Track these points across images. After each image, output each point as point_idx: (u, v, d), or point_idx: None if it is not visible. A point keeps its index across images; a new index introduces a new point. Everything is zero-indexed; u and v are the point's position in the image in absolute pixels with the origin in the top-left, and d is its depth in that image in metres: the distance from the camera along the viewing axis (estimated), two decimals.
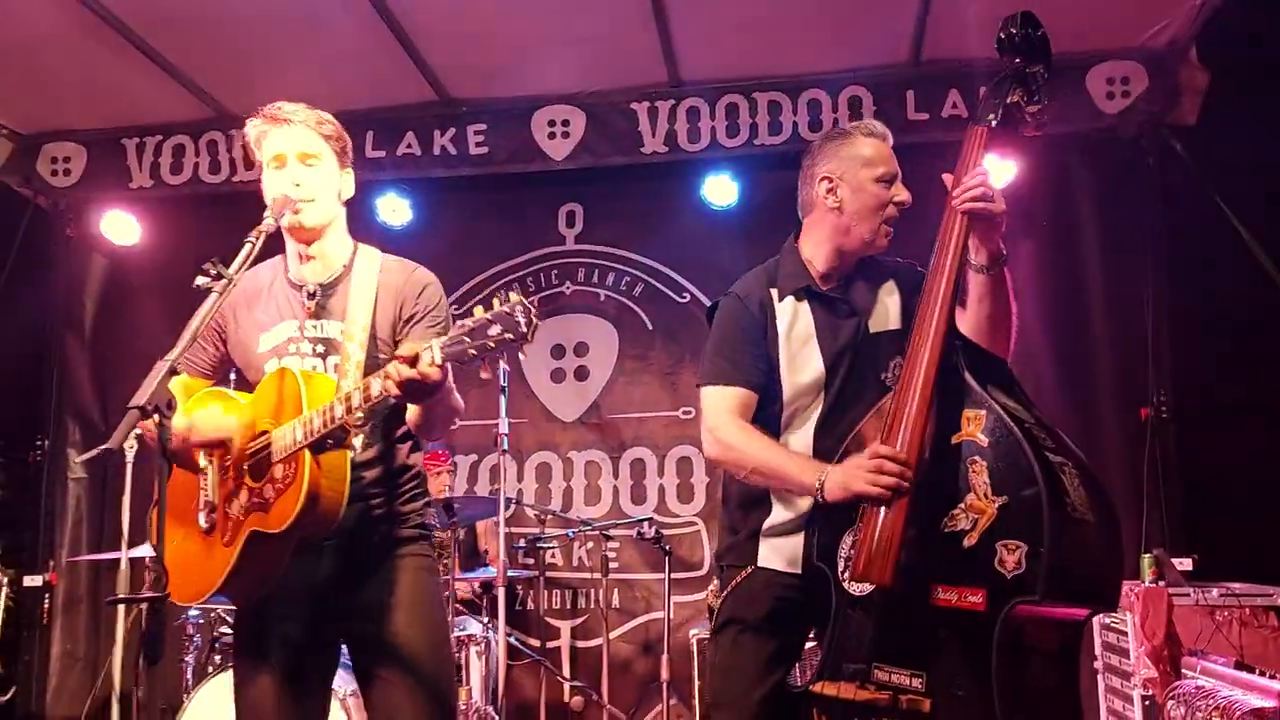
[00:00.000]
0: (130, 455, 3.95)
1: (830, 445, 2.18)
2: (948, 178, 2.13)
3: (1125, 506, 4.63)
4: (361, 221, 5.39)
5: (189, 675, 3.90)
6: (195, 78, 5.18)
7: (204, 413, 2.23)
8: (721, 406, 2.31)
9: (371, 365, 2.16)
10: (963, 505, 1.80)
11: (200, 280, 2.09)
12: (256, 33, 4.79)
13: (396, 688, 2.17)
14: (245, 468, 2.15)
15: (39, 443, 5.57)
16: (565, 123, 5.33)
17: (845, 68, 5.10)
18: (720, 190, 5.27)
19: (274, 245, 2.35)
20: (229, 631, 4.01)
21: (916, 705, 1.73)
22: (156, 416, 1.84)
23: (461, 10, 4.66)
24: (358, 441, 2.18)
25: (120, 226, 5.55)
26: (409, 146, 5.39)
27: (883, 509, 1.89)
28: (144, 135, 5.53)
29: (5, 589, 4.26)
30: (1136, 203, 4.87)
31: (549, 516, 4.70)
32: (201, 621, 3.97)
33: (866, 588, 1.90)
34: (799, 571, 2.20)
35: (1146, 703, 3.70)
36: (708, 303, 5.24)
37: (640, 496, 5.26)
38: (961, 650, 1.72)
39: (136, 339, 5.68)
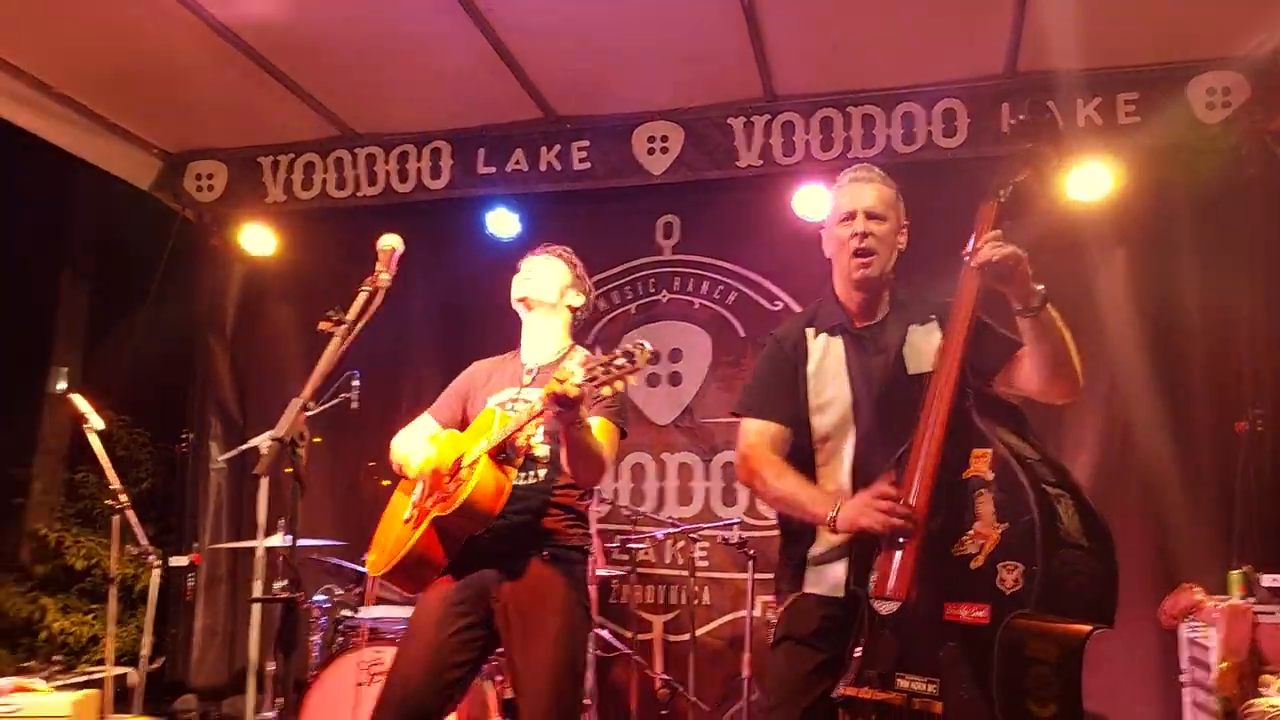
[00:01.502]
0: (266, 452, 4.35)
1: (868, 484, 2.33)
2: (965, 252, 2.31)
3: (1215, 520, 4.60)
4: (473, 234, 5.83)
5: (316, 654, 4.29)
6: (324, 100, 5.60)
7: (420, 448, 2.97)
8: (754, 439, 2.54)
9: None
10: (971, 532, 2.01)
11: (323, 325, 2.45)
12: (377, 58, 5.17)
13: (528, 668, 2.69)
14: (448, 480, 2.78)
15: (185, 435, 6.12)
16: (664, 138, 5.56)
17: (939, 80, 5.17)
18: (812, 203, 5.40)
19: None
20: (350, 614, 4.40)
21: (928, 707, 1.94)
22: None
23: (566, 33, 4.91)
24: (541, 473, 2.83)
25: (257, 238, 6.04)
26: (517, 163, 5.71)
27: (901, 539, 2.09)
28: (278, 154, 6.01)
29: (158, 568, 4.72)
30: (1236, 213, 4.81)
31: (641, 515, 4.94)
32: (328, 605, 4.35)
33: (891, 606, 2.09)
34: (841, 596, 2.38)
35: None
36: (799, 310, 5.47)
37: (731, 499, 5.45)
38: (969, 659, 1.92)
39: (271, 341, 6.19)
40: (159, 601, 5.24)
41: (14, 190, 7.11)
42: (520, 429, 2.67)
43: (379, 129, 5.90)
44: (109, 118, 5.70)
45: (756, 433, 2.53)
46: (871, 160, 5.14)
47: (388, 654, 3.89)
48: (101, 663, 5.78)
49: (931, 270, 2.58)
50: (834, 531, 2.30)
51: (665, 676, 4.45)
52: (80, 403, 4.88)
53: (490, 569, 2.77)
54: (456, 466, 2.77)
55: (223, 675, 5.82)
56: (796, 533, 2.50)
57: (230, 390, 6.27)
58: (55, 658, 5.51)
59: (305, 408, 2.27)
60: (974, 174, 4.72)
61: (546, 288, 3.09)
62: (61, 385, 7.53)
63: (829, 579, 2.42)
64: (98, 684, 4.59)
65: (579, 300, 3.14)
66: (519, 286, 3.10)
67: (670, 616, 5.32)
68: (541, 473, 2.84)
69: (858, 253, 2.50)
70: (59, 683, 4.50)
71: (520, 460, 2.79)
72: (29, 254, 7.73)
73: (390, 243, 2.65)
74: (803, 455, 2.50)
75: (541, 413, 2.58)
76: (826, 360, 2.51)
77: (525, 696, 2.70)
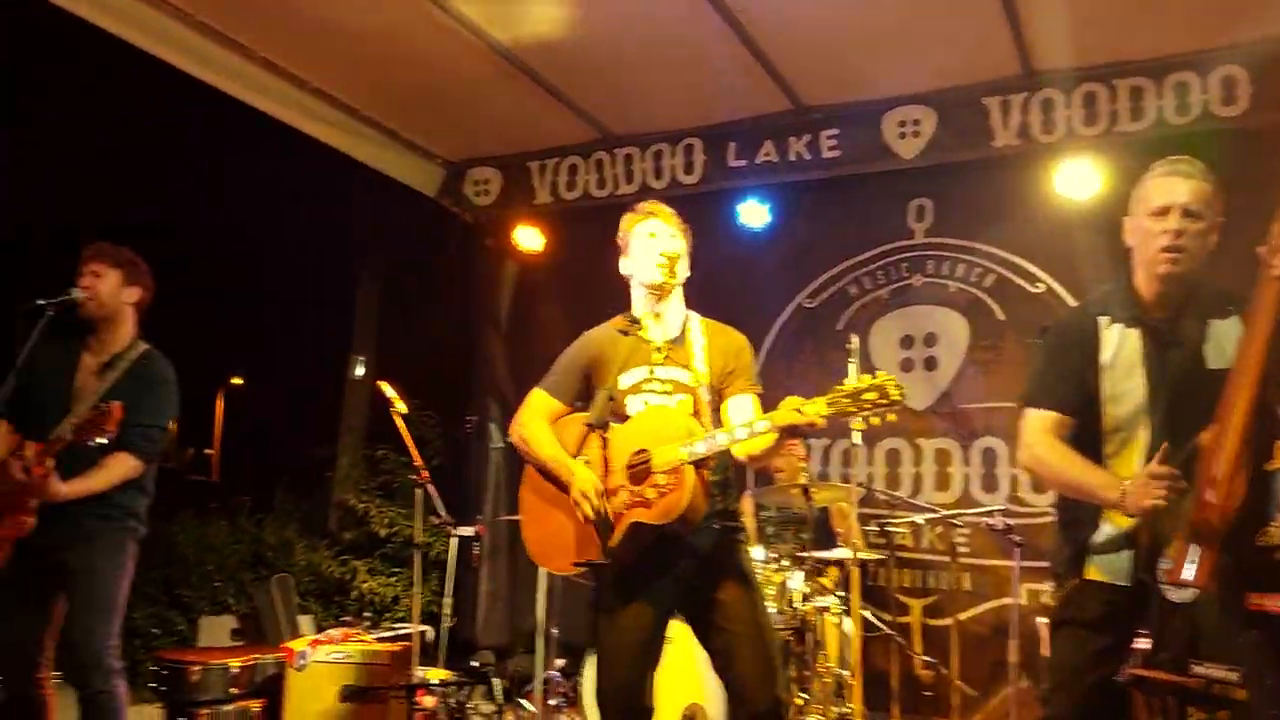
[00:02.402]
0: None
1: None
2: (1261, 250, 2.23)
3: None
4: (725, 226, 6.04)
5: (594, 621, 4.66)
6: (586, 106, 5.99)
7: (572, 461, 2.86)
8: (1038, 426, 2.54)
9: (711, 404, 2.85)
10: (1275, 524, 1.99)
11: (622, 325, 2.88)
12: (635, 64, 5.46)
13: (745, 647, 2.75)
14: (626, 475, 2.77)
15: (469, 419, 6.74)
16: (915, 122, 5.52)
17: (1218, 46, 4.84)
18: (1078, 179, 5.21)
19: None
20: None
21: (1229, 693, 1.95)
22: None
23: (813, 22, 4.97)
24: (715, 462, 2.79)
25: (527, 237, 6.55)
26: (767, 155, 5.86)
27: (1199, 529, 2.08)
28: (545, 158, 6.47)
29: (456, 537, 5.27)
30: None
31: (899, 501, 4.99)
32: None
33: (1187, 594, 2.10)
34: (1127, 584, 2.38)
35: None
36: (1063, 292, 5.31)
37: (991, 485, 5.39)
38: (1272, 648, 1.91)
39: (540, 331, 6.67)
40: (454, 568, 5.83)
41: (317, 199, 8.07)
42: (734, 442, 2.65)
43: (635, 130, 6.22)
44: (401, 133, 6.36)
45: (1040, 420, 2.55)
46: (1141, 133, 4.95)
47: None
48: (404, 620, 6.52)
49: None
50: (1126, 514, 2.32)
51: (930, 659, 4.48)
52: (388, 389, 5.51)
53: (683, 563, 2.79)
54: (642, 468, 2.71)
55: (505, 635, 6.39)
56: (1077, 519, 2.52)
57: (506, 377, 6.83)
58: (365, 614, 6.26)
59: (610, 396, 2.53)
60: (1259, 146, 4.43)
61: (684, 265, 3.04)
62: (359, 372, 8.47)
63: (1113, 566, 2.42)
64: (404, 639, 5.20)
65: (688, 270, 3.07)
66: (665, 273, 2.93)
67: (929, 601, 5.35)
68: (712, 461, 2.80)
69: (1168, 249, 2.45)
70: (376, 635, 5.11)
71: (714, 462, 2.77)
72: (330, 256, 8.75)
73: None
74: (1091, 445, 2.50)
75: (763, 433, 2.60)
76: (1122, 351, 2.49)
77: (744, 661, 2.74)
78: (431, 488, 5.37)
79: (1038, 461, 2.54)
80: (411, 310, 7.99)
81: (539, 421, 3.02)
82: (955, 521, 4.65)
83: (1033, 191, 5.40)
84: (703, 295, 6.04)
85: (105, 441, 3.16)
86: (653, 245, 2.99)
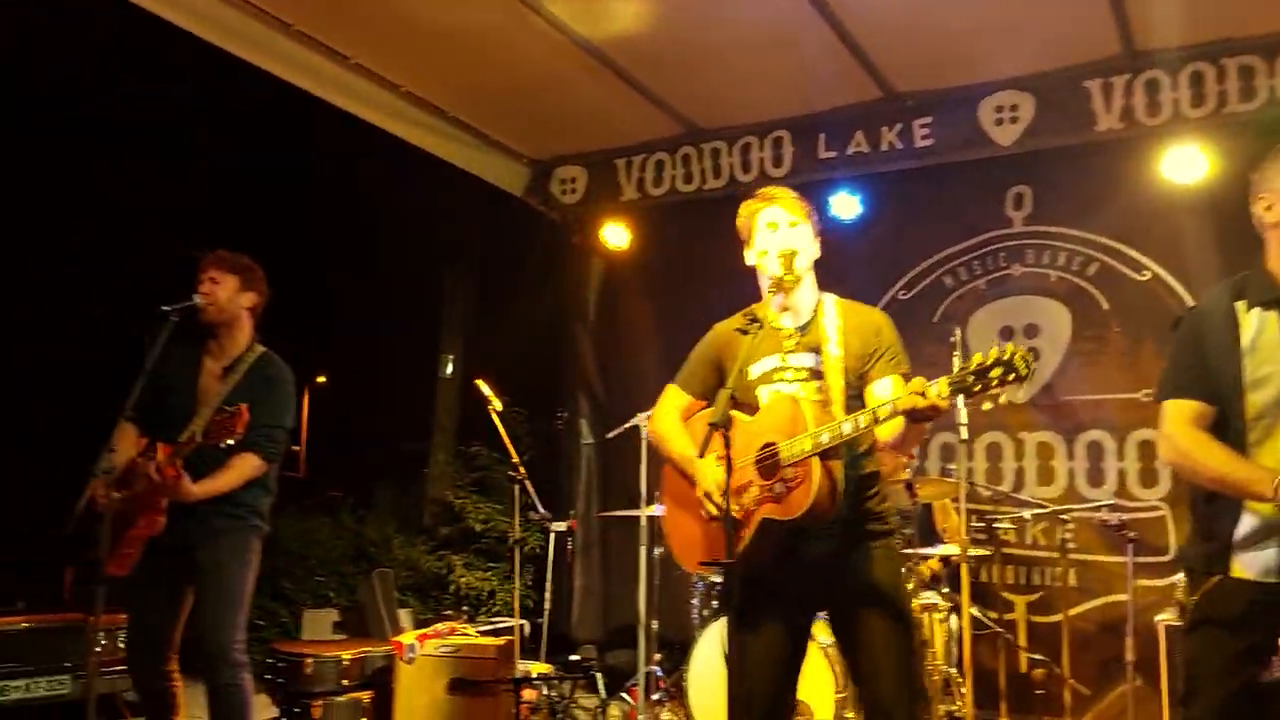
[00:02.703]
0: (645, 432, 4.81)
1: None
2: None
3: None
4: (819, 215, 5.97)
5: (694, 616, 4.67)
6: (673, 101, 5.97)
7: (701, 461, 2.74)
8: (1179, 417, 2.44)
9: (848, 390, 2.71)
10: None
11: (741, 324, 2.75)
12: (722, 57, 5.42)
13: (878, 655, 2.64)
14: (755, 469, 2.68)
15: (559, 414, 6.81)
16: (1013, 108, 5.40)
17: None
18: (1185, 163, 5.05)
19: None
20: (718, 580, 4.74)
21: None
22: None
23: (905, 6, 4.88)
24: (846, 450, 2.64)
25: (614, 233, 6.57)
26: (858, 145, 5.79)
27: None
28: (631, 154, 6.48)
29: (556, 532, 5.34)
30: None
31: (1003, 496, 4.89)
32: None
33: None
34: (1275, 580, 2.29)
35: None
36: (1170, 279, 5.15)
37: (1097, 479, 5.24)
38: None
39: (628, 327, 6.73)
40: (546, 562, 5.91)
41: (405, 200, 8.21)
42: (857, 431, 2.50)
43: (722, 123, 6.20)
44: (489, 133, 6.43)
45: (1180, 411, 2.46)
46: (1252, 114, 4.77)
47: None
48: (500, 614, 6.63)
49: None
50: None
51: (1040, 657, 4.40)
52: (484, 387, 5.60)
53: (819, 564, 2.67)
54: (770, 462, 2.62)
55: (599, 630, 6.44)
56: (1216, 512, 2.43)
57: (595, 373, 6.88)
58: (463, 608, 6.38)
59: (732, 396, 2.52)
60: None
61: (808, 253, 2.87)
62: (449, 371, 8.62)
63: (1261, 563, 2.33)
64: (505, 633, 5.28)
65: (818, 250, 2.92)
66: (783, 269, 2.77)
67: (1034, 598, 5.23)
68: (846, 449, 2.66)
69: None
70: (478, 629, 5.20)
71: (844, 451, 2.63)
72: (418, 256, 8.90)
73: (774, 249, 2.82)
74: (1233, 433, 2.40)
75: (882, 420, 2.45)
76: (1263, 335, 2.39)
77: (879, 679, 2.64)
78: (529, 484, 5.45)
79: (1181, 455, 2.45)
80: (499, 308, 8.10)
81: (670, 417, 2.97)
82: (1064, 517, 4.53)
83: (1137, 176, 5.24)
84: None
85: (233, 443, 3.26)
86: (772, 240, 2.88)
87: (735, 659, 2.66)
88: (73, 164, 8.11)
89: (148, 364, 3.36)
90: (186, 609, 3.63)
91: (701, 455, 2.61)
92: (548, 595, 5.31)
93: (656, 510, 4.78)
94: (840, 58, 5.33)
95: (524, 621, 5.60)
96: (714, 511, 2.67)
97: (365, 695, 4.95)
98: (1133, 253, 5.36)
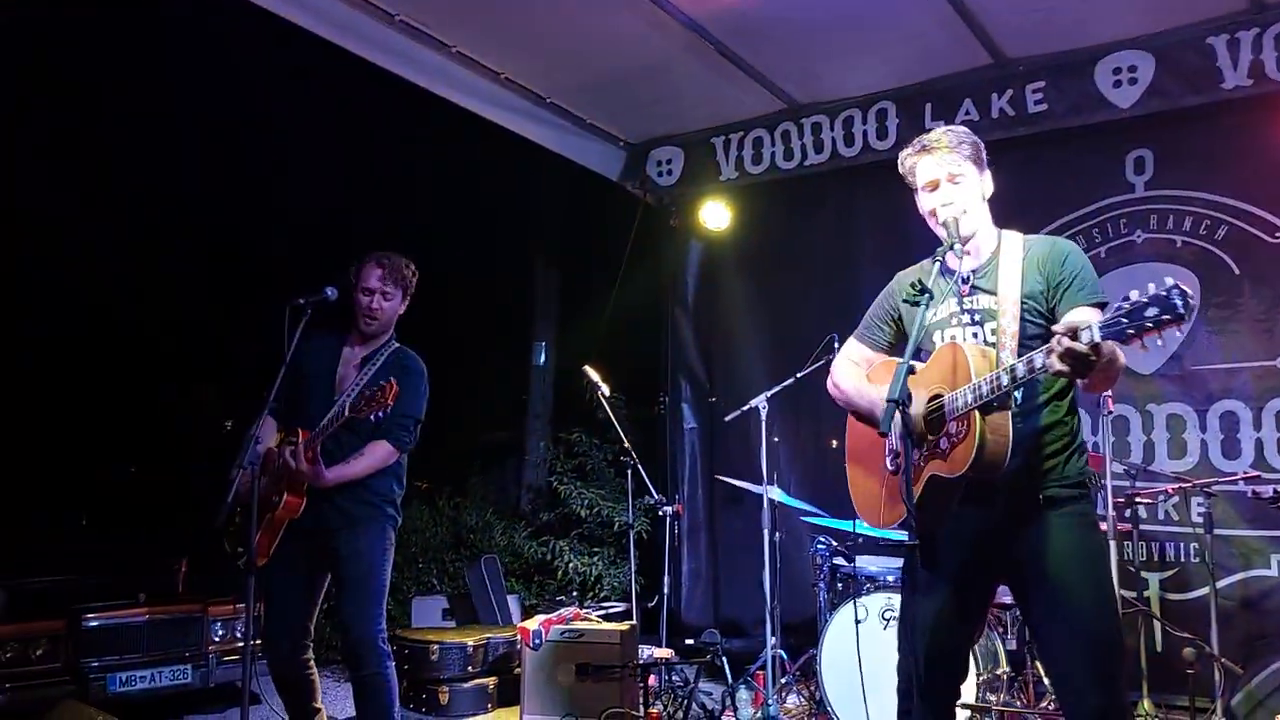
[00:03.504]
0: (764, 414, 4.75)
1: None
2: None
3: None
4: None
5: (820, 599, 4.61)
6: (772, 77, 5.87)
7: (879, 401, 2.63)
8: None
9: (1024, 331, 2.52)
10: None
11: (909, 295, 2.59)
12: (823, 29, 5.31)
13: (1061, 638, 2.44)
14: (923, 423, 2.54)
15: (661, 399, 6.77)
16: (1132, 68, 5.20)
17: None
18: None
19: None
20: (843, 563, 4.67)
21: None
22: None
23: None
24: (1018, 395, 2.47)
25: (714, 214, 6.50)
26: (967, 113, 5.62)
27: None
28: (729, 133, 6.40)
29: (671, 517, 5.31)
30: None
31: (1139, 470, 4.72)
32: (827, 554, 4.65)
33: None
34: None
35: None
36: None
37: (1233, 451, 5.03)
38: None
39: (728, 309, 6.65)
40: (650, 547, 5.90)
41: (498, 187, 8.24)
42: (1014, 384, 2.32)
43: (823, 98, 6.08)
44: (586, 118, 6.40)
45: None
46: None
47: (898, 600, 4.11)
48: (607, 598, 6.63)
49: None
50: None
51: (1188, 635, 4.24)
52: (592, 372, 5.59)
53: (993, 526, 2.51)
54: (938, 415, 2.48)
55: (709, 615, 6.39)
56: None
57: (696, 357, 6.81)
58: (573, 593, 6.39)
59: (911, 370, 2.43)
60: None
61: (973, 193, 2.71)
62: (542, 359, 8.65)
63: None
64: (618, 618, 5.27)
65: (990, 184, 2.78)
66: (945, 210, 2.66)
67: (1168, 575, 5.05)
68: (1018, 394, 2.45)
69: None
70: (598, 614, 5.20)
71: (1012, 401, 2.42)
72: (510, 244, 8.94)
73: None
74: None
75: (1035, 370, 2.25)
76: None
77: (1066, 665, 2.46)
78: (640, 469, 5.42)
79: None
80: (592, 295, 8.07)
81: (852, 370, 2.86)
82: (1209, 490, 4.35)
83: (1268, 135, 5.00)
84: (901, 264, 5.95)
85: (382, 415, 3.27)
86: (929, 200, 2.72)
87: (906, 621, 2.61)
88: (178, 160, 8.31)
89: (286, 355, 3.38)
90: (321, 595, 3.67)
91: (884, 432, 2.50)
92: (666, 580, 5.26)
93: (776, 492, 4.73)
94: (949, 25, 5.19)
95: (632, 606, 5.59)
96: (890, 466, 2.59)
97: (490, 681, 4.99)
98: (1265, 214, 5.12)
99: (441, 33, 5.35)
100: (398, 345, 3.78)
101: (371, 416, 3.27)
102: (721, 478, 5.63)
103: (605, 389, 5.56)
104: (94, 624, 5.41)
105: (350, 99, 7.61)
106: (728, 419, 5.14)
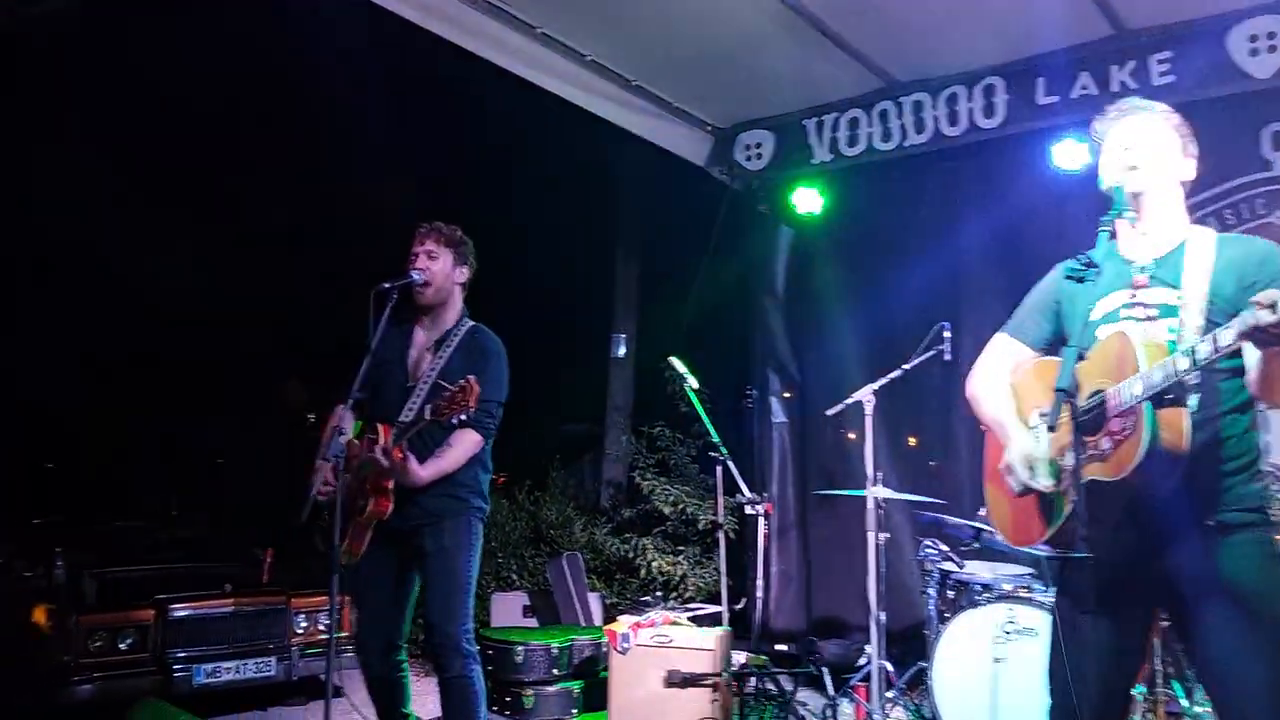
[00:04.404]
0: (869, 408, 4.45)
1: None
2: None
3: None
4: (1033, 170, 5.48)
5: (931, 608, 4.29)
6: (869, 52, 5.55)
7: (1014, 429, 2.40)
8: None
9: (1208, 333, 2.14)
10: None
11: (1073, 268, 2.27)
12: (924, 1, 5.01)
13: (1239, 679, 2.16)
14: (1078, 424, 2.20)
15: (749, 391, 6.49)
16: (1270, 35, 4.77)
17: None
18: None
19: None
20: (951, 569, 4.35)
21: None
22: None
23: None
24: (1193, 401, 2.16)
25: (806, 199, 6.20)
26: (1084, 88, 5.25)
27: None
28: (822, 114, 6.09)
29: (763, 517, 5.04)
30: None
31: None
32: (937, 558, 4.33)
33: None
34: None
35: None
36: None
37: None
38: None
39: (821, 299, 6.34)
40: (736, 547, 5.64)
41: (580, 173, 8.06)
42: (1193, 364, 2.04)
43: (924, 74, 5.74)
44: (673, 101, 6.16)
45: None
46: None
47: (1020, 612, 3.79)
48: (690, 599, 6.40)
49: None
50: None
51: None
52: (678, 364, 5.36)
53: (1159, 542, 2.23)
54: (1098, 412, 2.21)
55: (799, 619, 6.10)
56: None
57: (786, 349, 6.53)
58: (657, 593, 6.17)
59: (1080, 356, 2.14)
60: None
61: (1158, 166, 2.43)
62: (621, 351, 8.44)
63: None
64: (708, 620, 5.02)
65: (1191, 169, 2.50)
66: (1130, 178, 2.40)
67: None
68: (1194, 400, 2.16)
69: None
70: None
71: (1189, 398, 2.14)
72: (590, 233, 8.76)
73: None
74: None
75: (1225, 347, 1.99)
76: None
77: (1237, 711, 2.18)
78: (731, 464, 5.18)
79: None
80: (675, 284, 7.84)
81: (991, 373, 2.57)
82: None
83: None
84: (1009, 244, 5.63)
85: (465, 418, 3.09)
86: (1116, 168, 2.45)
87: (1061, 646, 2.30)
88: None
89: (371, 343, 3.22)
90: (412, 595, 3.51)
91: (1053, 426, 2.22)
92: (760, 583, 5.00)
93: (882, 491, 4.44)
94: None
95: (721, 609, 5.34)
96: (1015, 488, 2.30)
97: (576, 685, 4.80)
98: None
99: (526, 14, 5.16)
100: (471, 324, 3.59)
101: (454, 419, 3.07)
102: (820, 492, 5.33)
103: (693, 381, 5.32)
104: (181, 614, 5.37)
105: (430, 80, 7.49)
106: (830, 413, 4.84)
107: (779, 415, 6.43)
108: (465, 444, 3.38)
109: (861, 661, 4.81)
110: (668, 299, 7.87)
